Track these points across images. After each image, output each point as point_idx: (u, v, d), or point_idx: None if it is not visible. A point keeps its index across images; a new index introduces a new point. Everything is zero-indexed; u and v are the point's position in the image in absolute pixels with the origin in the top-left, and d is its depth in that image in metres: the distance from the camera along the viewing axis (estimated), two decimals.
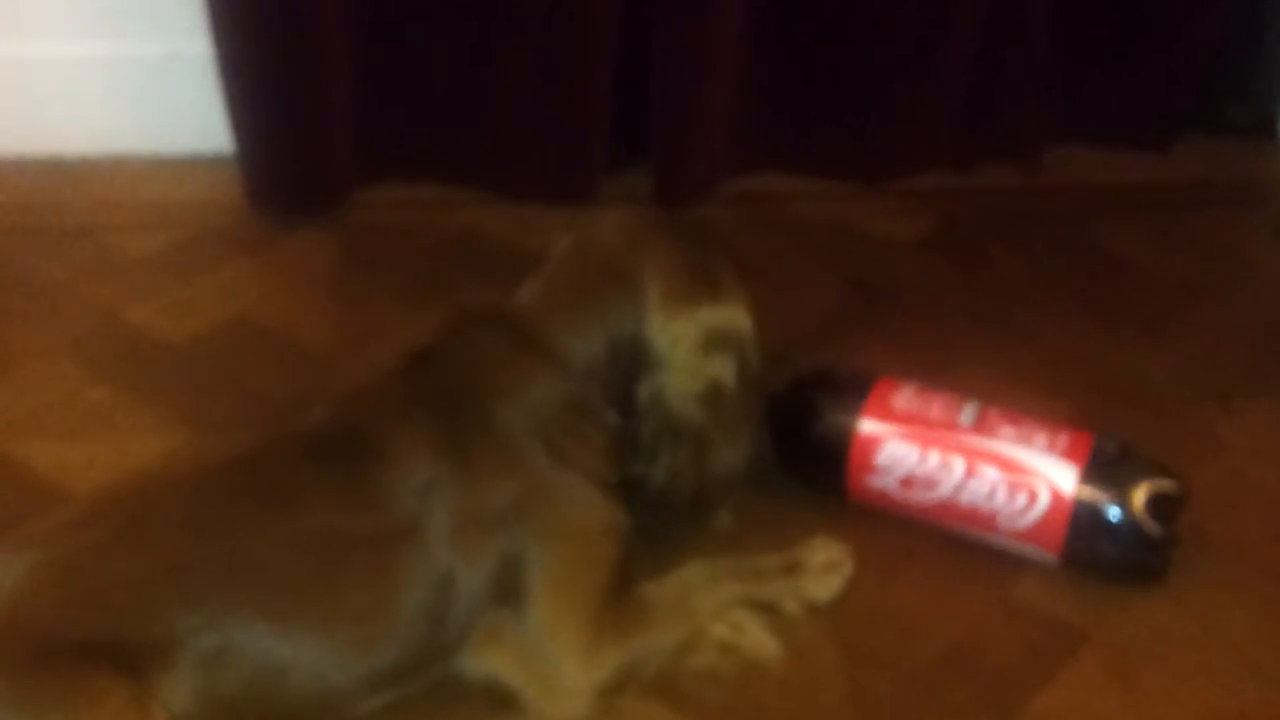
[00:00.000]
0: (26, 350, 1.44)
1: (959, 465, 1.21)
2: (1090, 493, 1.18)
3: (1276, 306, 1.60)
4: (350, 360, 1.44)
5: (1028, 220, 1.71)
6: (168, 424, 1.35)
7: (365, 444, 1.09)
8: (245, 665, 1.00)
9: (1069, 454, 1.19)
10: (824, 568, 1.20)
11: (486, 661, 1.10)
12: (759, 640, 1.15)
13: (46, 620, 0.98)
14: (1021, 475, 1.20)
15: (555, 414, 1.13)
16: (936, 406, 1.24)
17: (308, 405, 1.16)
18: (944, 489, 1.22)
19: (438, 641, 1.08)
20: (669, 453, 1.17)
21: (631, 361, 1.15)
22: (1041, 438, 1.21)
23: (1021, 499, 1.20)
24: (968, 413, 1.23)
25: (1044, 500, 1.19)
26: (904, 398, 1.25)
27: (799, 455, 1.29)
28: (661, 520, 1.19)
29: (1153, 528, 1.17)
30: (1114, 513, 1.17)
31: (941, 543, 1.25)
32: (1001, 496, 1.20)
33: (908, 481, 1.23)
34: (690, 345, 1.15)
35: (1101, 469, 1.18)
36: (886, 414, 1.24)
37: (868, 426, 1.24)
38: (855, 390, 1.26)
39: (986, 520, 1.22)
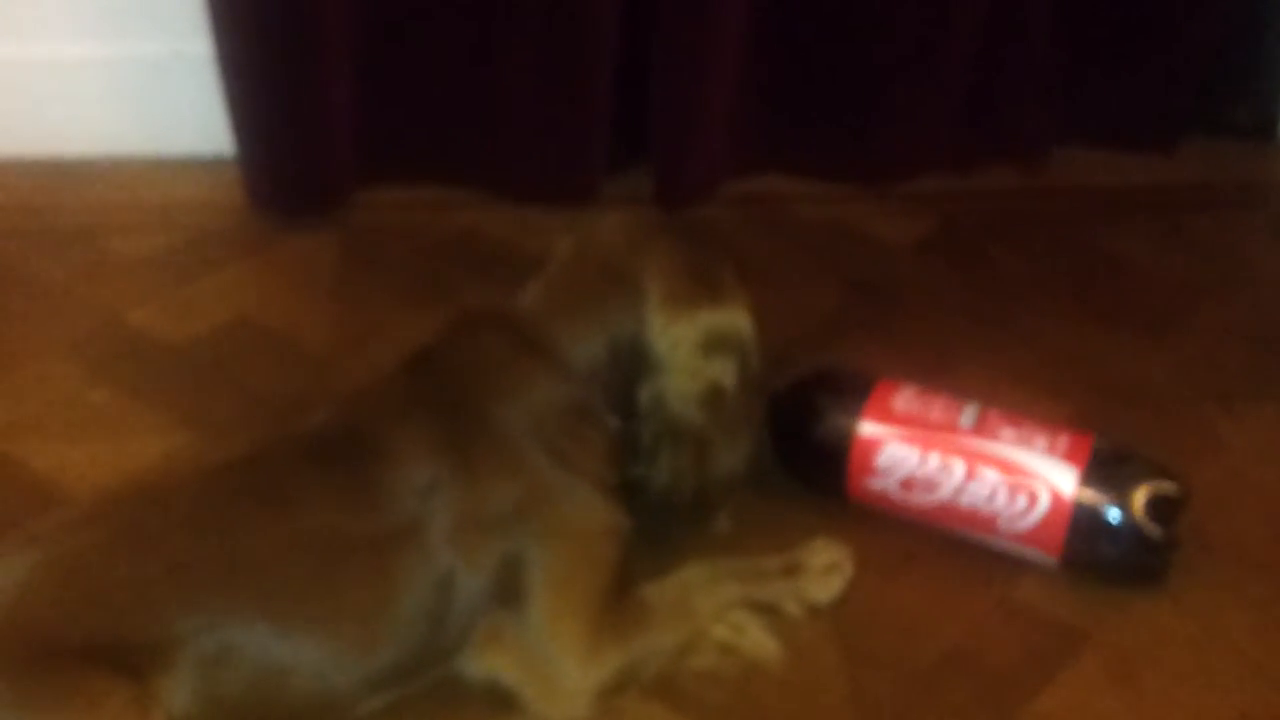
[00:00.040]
0: (27, 351, 1.44)
1: (959, 467, 1.21)
2: (1090, 495, 1.18)
3: (1277, 307, 1.60)
4: (350, 361, 1.44)
5: (1028, 221, 1.71)
6: (168, 425, 1.35)
7: (366, 445, 1.09)
8: (246, 666, 1.00)
9: (1069, 456, 1.19)
10: (825, 569, 1.20)
11: (487, 662, 1.10)
12: (759, 641, 1.15)
13: (47, 621, 0.98)
14: (1021, 477, 1.20)
15: (556, 416, 1.13)
16: (937, 408, 1.24)
17: (308, 406, 1.16)
18: (944, 491, 1.22)
19: (438, 642, 1.08)
20: (669, 455, 1.17)
21: (632, 364, 1.15)
22: (1041, 440, 1.21)
23: (1021, 501, 1.20)
24: (968, 415, 1.23)
25: (1044, 502, 1.19)
26: (904, 400, 1.25)
27: (799, 457, 1.30)
28: (662, 522, 1.19)
29: (1153, 530, 1.17)
30: (1114, 515, 1.18)
31: (942, 544, 1.25)
32: (1002, 499, 1.20)
33: (908, 484, 1.23)
34: (691, 347, 1.15)
35: (1101, 471, 1.18)
36: (887, 416, 1.24)
37: (868, 429, 1.24)
38: (855, 392, 1.26)
39: (987, 522, 1.22)
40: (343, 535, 1.05)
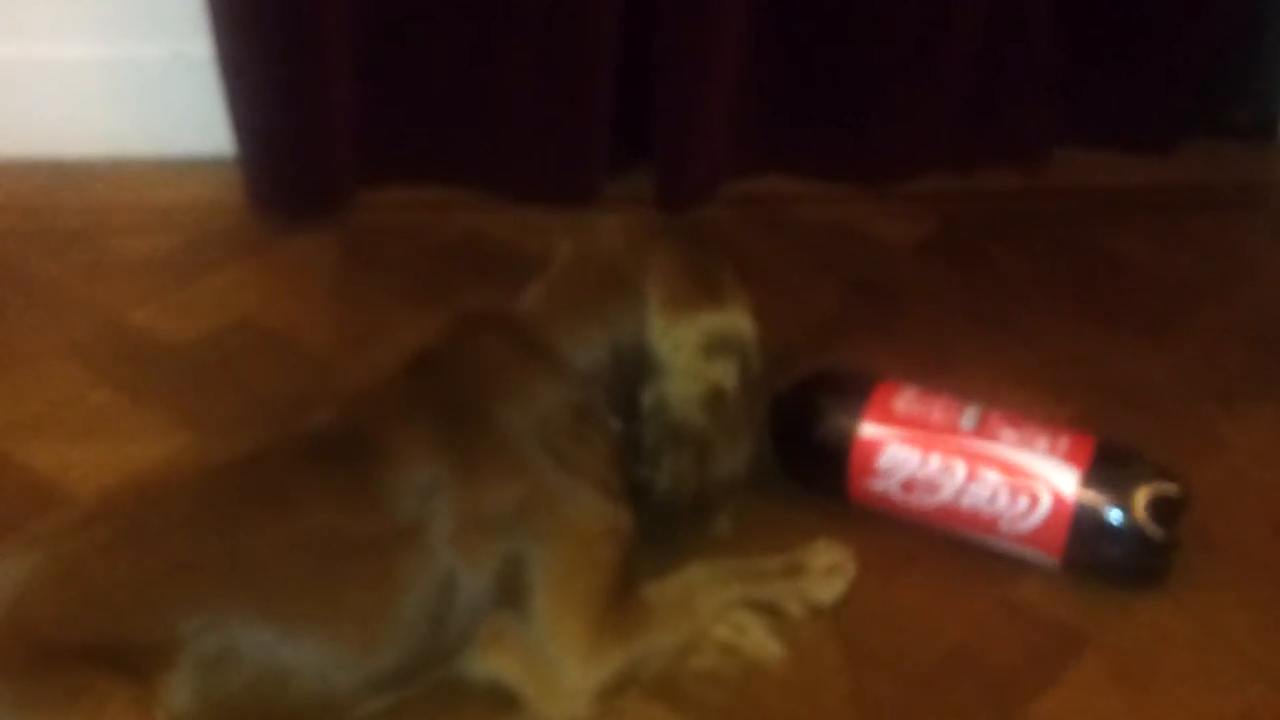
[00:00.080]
0: (28, 352, 1.44)
1: (960, 469, 1.21)
2: (1092, 496, 1.18)
3: (1277, 308, 1.60)
4: (351, 361, 1.44)
5: (1028, 222, 1.71)
6: (170, 426, 1.35)
7: (367, 445, 1.09)
8: (247, 666, 1.00)
9: (1070, 457, 1.19)
10: (827, 570, 1.20)
11: (488, 663, 1.10)
12: (761, 641, 1.15)
13: (48, 622, 0.98)
14: (1023, 479, 1.20)
15: (558, 418, 1.13)
16: (938, 410, 1.24)
17: (309, 406, 1.16)
18: (945, 493, 1.22)
19: (439, 643, 1.08)
20: (671, 457, 1.17)
21: (635, 366, 1.15)
22: (1043, 441, 1.21)
23: (1023, 502, 1.20)
24: (969, 416, 1.23)
25: (1045, 504, 1.19)
26: (905, 401, 1.25)
27: (800, 458, 1.30)
28: (663, 524, 1.19)
29: (1154, 530, 1.17)
30: (1115, 516, 1.18)
31: (943, 545, 1.25)
32: (1003, 500, 1.20)
33: (909, 485, 1.23)
34: (692, 350, 1.15)
35: (1103, 472, 1.18)
36: (888, 417, 1.24)
37: (869, 430, 1.24)
38: (856, 393, 1.26)
39: (988, 524, 1.22)
40: (344, 536, 1.05)
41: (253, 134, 1.59)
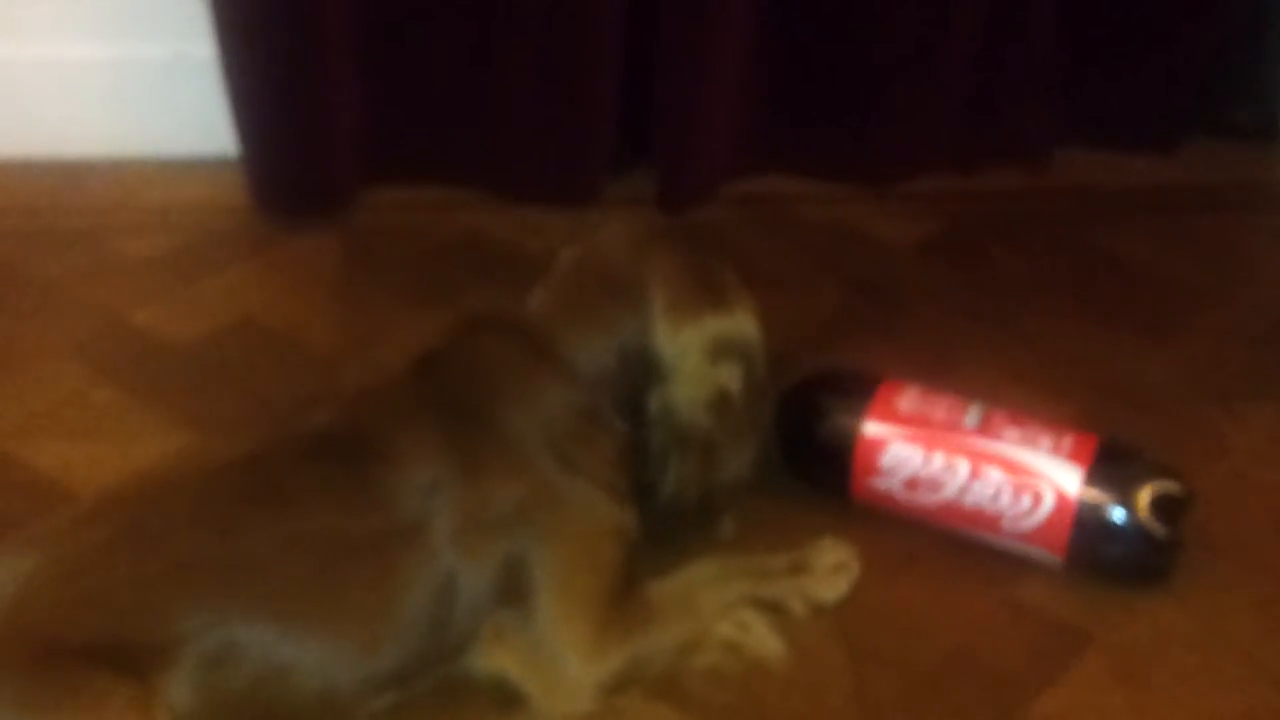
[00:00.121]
0: (30, 352, 1.44)
1: (963, 467, 1.21)
2: (1095, 494, 1.18)
3: (1278, 308, 1.60)
4: (353, 361, 1.44)
5: (1030, 222, 1.71)
6: (172, 425, 1.35)
7: (370, 445, 1.09)
8: (248, 666, 1.00)
9: (1073, 456, 1.19)
10: (831, 569, 1.20)
11: (491, 661, 1.10)
12: (764, 640, 1.15)
13: (49, 621, 0.98)
14: (1026, 477, 1.20)
15: (563, 420, 1.13)
16: (941, 408, 1.24)
17: (312, 406, 1.16)
18: (948, 491, 1.22)
19: (441, 642, 1.08)
20: (677, 461, 1.17)
21: (640, 371, 1.15)
22: (1046, 440, 1.21)
23: (1026, 501, 1.20)
24: (972, 415, 1.23)
25: (1049, 502, 1.19)
26: (908, 400, 1.25)
27: (804, 457, 1.30)
28: (669, 526, 1.19)
29: (1157, 529, 1.17)
30: (1119, 514, 1.18)
31: (946, 544, 1.25)
32: (1006, 498, 1.20)
33: (912, 483, 1.23)
34: (697, 355, 1.15)
35: (1106, 470, 1.18)
36: (891, 416, 1.24)
37: (872, 428, 1.24)
38: (859, 392, 1.26)
39: (991, 522, 1.22)
40: (345, 535, 1.05)
41: (254, 134, 1.60)
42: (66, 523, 1.06)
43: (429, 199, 1.68)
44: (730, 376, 1.16)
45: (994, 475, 1.20)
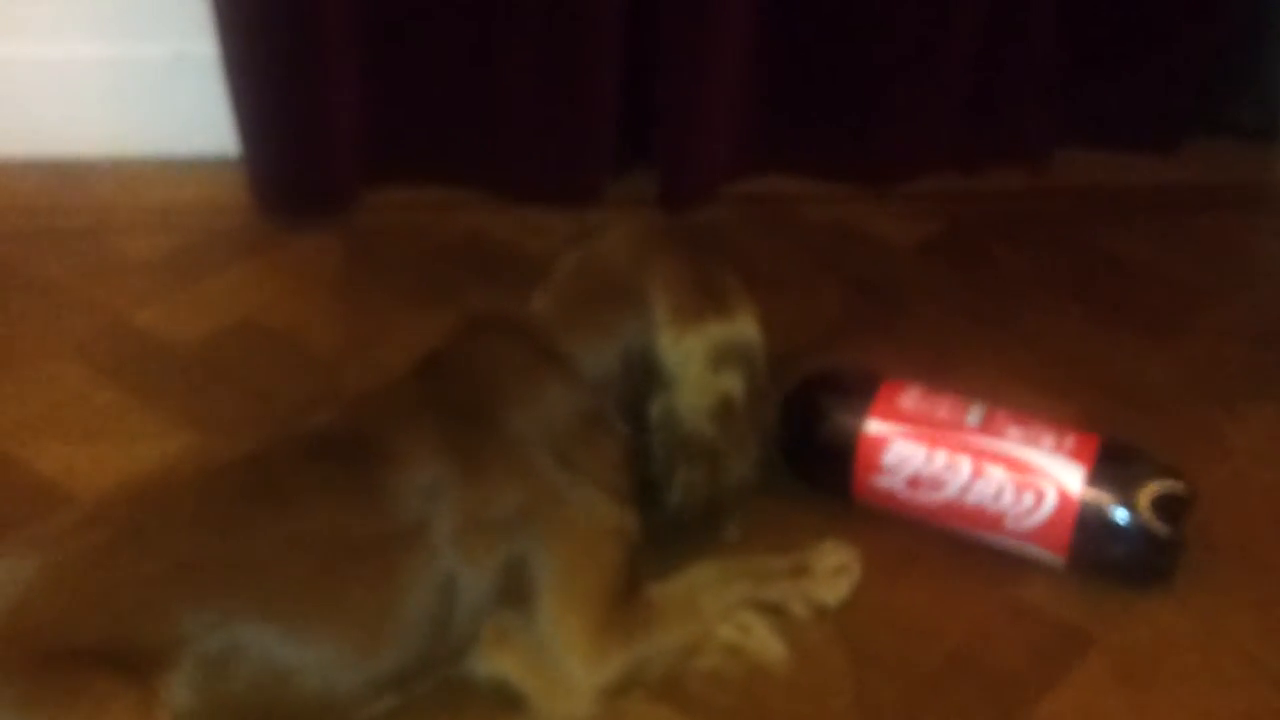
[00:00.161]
0: (32, 352, 1.44)
1: (966, 465, 1.21)
2: (1097, 493, 1.18)
3: (1279, 308, 1.61)
4: (355, 362, 1.44)
5: (1031, 222, 1.71)
6: (174, 426, 1.35)
7: (372, 446, 1.09)
8: (250, 667, 1.00)
9: (1076, 455, 1.19)
10: (832, 571, 1.20)
11: (493, 663, 1.10)
12: (766, 642, 1.15)
13: (51, 623, 0.98)
14: (1028, 475, 1.20)
15: (566, 422, 1.13)
16: (943, 407, 1.24)
17: (314, 407, 1.16)
18: (951, 489, 1.22)
19: (442, 644, 1.08)
20: (682, 468, 1.17)
21: (643, 376, 1.15)
22: (1049, 439, 1.21)
23: (1028, 499, 1.20)
24: (974, 414, 1.23)
25: (1051, 500, 1.19)
26: (911, 399, 1.25)
27: (806, 456, 1.29)
28: (675, 532, 1.19)
29: (1160, 528, 1.17)
30: (1121, 513, 1.17)
31: (948, 546, 1.25)
32: (1008, 497, 1.20)
33: (914, 481, 1.23)
34: (700, 361, 1.15)
35: (1109, 469, 1.18)
36: (893, 414, 1.24)
37: (874, 426, 1.24)
38: (862, 391, 1.26)
39: (993, 521, 1.22)
40: (346, 536, 1.05)
41: (255, 133, 1.60)
42: (67, 524, 1.05)
43: (430, 199, 1.68)
44: (733, 383, 1.16)
45: (996, 474, 1.20)
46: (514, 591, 1.09)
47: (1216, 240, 1.70)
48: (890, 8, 1.63)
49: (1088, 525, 1.18)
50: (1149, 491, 1.17)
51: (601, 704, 1.10)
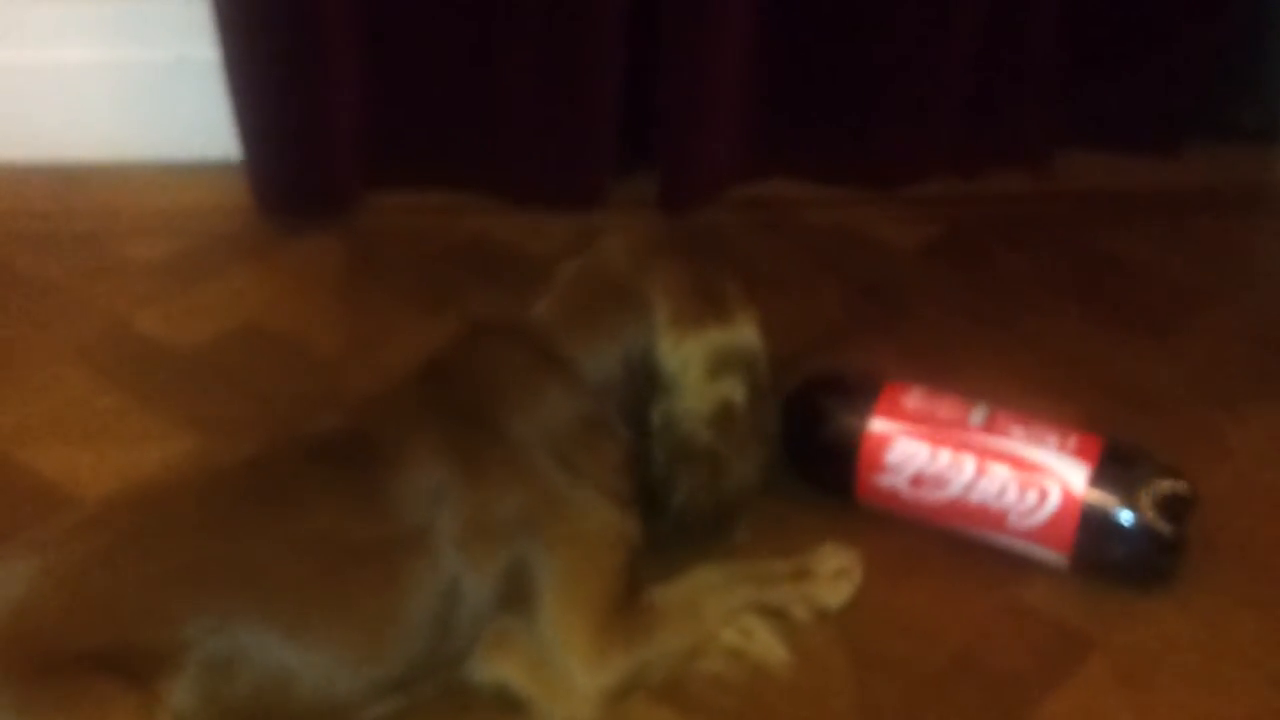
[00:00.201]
0: (34, 356, 1.44)
1: (969, 464, 1.21)
2: (1101, 492, 1.18)
3: None
4: (358, 365, 1.44)
5: (1032, 224, 1.71)
6: (176, 430, 1.35)
7: (375, 450, 1.09)
8: (252, 671, 1.00)
9: (1080, 453, 1.19)
10: (833, 574, 1.20)
11: (495, 668, 1.10)
12: (768, 646, 1.15)
13: (53, 627, 0.98)
14: (1032, 474, 1.20)
15: (569, 427, 1.13)
16: (946, 407, 1.24)
17: (316, 411, 1.16)
18: (954, 488, 1.22)
19: (445, 649, 1.08)
20: (685, 475, 1.17)
21: (644, 381, 1.15)
22: (1052, 438, 1.21)
23: (1032, 498, 1.19)
24: (978, 413, 1.23)
25: (1054, 499, 1.19)
26: (914, 398, 1.25)
27: (809, 455, 1.29)
28: (677, 536, 1.19)
29: (1163, 528, 1.17)
30: (1124, 513, 1.17)
31: (950, 547, 1.25)
32: (1012, 495, 1.20)
33: (917, 480, 1.23)
34: (699, 367, 1.15)
35: (1112, 469, 1.18)
36: (896, 413, 1.24)
37: (878, 425, 1.24)
38: (865, 390, 1.26)
39: (996, 519, 1.22)
40: (350, 540, 1.05)
41: (257, 137, 1.60)
42: (69, 527, 1.06)
43: (432, 202, 1.68)
44: (733, 388, 1.16)
45: (1000, 472, 1.20)
46: (516, 595, 1.09)
47: (1217, 241, 1.70)
48: (890, 8, 1.63)
49: (1091, 524, 1.18)
50: (1153, 491, 1.17)
51: (604, 708, 1.10)
